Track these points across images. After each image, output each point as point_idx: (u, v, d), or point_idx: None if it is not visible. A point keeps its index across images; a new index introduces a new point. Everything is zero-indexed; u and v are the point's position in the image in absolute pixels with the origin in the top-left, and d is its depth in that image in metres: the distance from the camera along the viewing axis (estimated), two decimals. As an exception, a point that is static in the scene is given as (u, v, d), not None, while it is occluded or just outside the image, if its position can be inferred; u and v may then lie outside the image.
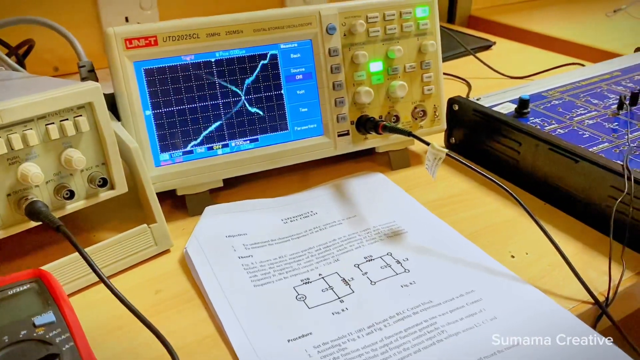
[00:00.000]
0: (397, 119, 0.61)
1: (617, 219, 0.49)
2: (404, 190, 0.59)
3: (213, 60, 0.53)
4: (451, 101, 0.65)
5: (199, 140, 0.54)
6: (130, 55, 0.50)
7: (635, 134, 0.56)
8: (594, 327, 0.44)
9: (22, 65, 0.73)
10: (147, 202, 0.50)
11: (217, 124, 0.54)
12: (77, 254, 0.40)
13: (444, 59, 0.97)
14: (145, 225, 0.49)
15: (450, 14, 1.28)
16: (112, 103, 0.52)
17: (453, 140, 0.67)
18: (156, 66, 0.51)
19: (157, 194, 0.53)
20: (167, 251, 0.51)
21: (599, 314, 0.44)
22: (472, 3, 1.29)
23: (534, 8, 1.36)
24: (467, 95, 0.83)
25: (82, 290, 0.46)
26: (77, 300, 0.45)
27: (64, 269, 0.45)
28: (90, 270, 0.39)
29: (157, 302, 0.45)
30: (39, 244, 0.51)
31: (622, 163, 0.49)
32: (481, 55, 1.01)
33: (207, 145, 0.55)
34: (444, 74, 0.90)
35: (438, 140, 0.69)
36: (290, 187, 0.60)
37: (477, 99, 0.65)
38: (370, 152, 0.65)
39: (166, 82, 0.52)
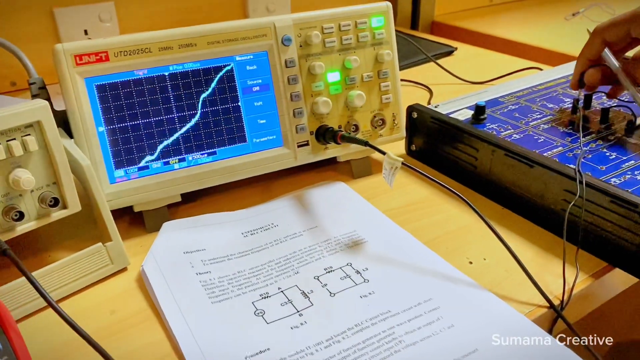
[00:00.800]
0: (357, 128, 0.61)
1: (570, 221, 0.49)
2: (366, 199, 0.59)
3: (167, 74, 0.53)
4: (410, 109, 0.66)
5: (154, 156, 0.53)
6: (81, 71, 0.50)
7: (588, 137, 0.57)
8: (550, 330, 0.45)
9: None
10: (102, 220, 0.49)
11: (173, 138, 0.54)
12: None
13: (407, 66, 0.98)
14: (100, 244, 0.48)
15: (413, 20, 1.29)
16: (64, 120, 0.51)
17: (414, 147, 0.67)
18: (108, 82, 0.51)
19: (114, 211, 0.52)
20: (124, 269, 0.50)
21: (555, 317, 0.45)
22: (434, 9, 1.31)
23: (496, 13, 1.38)
24: (429, 101, 0.84)
25: (33, 315, 0.45)
26: (27, 325, 0.44)
27: (13, 294, 0.43)
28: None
29: (113, 323, 0.45)
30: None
31: (574, 167, 0.50)
32: (444, 60, 1.02)
33: (164, 160, 0.54)
34: (407, 80, 0.92)
35: (399, 147, 0.69)
36: (251, 199, 0.60)
37: (436, 107, 0.66)
38: (332, 161, 0.65)
39: (119, 98, 0.51)
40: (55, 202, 0.46)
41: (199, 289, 0.46)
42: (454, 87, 0.89)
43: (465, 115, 0.63)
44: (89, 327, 0.41)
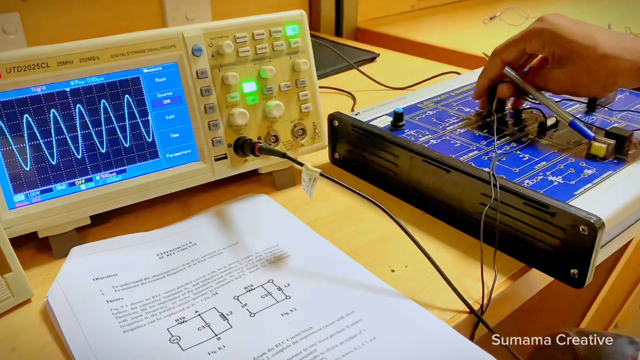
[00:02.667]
0: (277, 138, 0.60)
1: (487, 224, 0.50)
2: (289, 211, 0.58)
3: (68, 89, 0.49)
4: (331, 117, 0.65)
5: (58, 177, 0.50)
6: (-31, 89, 0.46)
7: (502, 140, 0.58)
8: (472, 335, 0.45)
9: None
10: (0, 250, 0.45)
11: (78, 157, 0.51)
12: None
13: (331, 73, 0.98)
14: (-2, 275, 0.45)
15: (337, 27, 1.30)
16: (-47, 142, 0.47)
17: (337, 155, 0.67)
18: (1, 100, 0.47)
19: (17, 238, 0.48)
20: (27, 301, 0.47)
21: (477, 322, 0.45)
22: (357, 15, 1.31)
23: (417, 18, 1.41)
24: (352, 108, 0.84)
25: None
26: None
27: None
28: None
29: (13, 362, 0.41)
30: None
31: (489, 170, 0.51)
32: (367, 67, 1.03)
33: (69, 181, 0.50)
34: (330, 88, 0.91)
35: (324, 156, 0.68)
36: (168, 217, 0.57)
37: (357, 114, 0.65)
38: (254, 174, 0.63)
39: (15, 117, 0.48)
40: (-57, 234, 0.42)
41: (109, 318, 0.44)
42: (376, 94, 0.89)
43: (385, 122, 0.63)
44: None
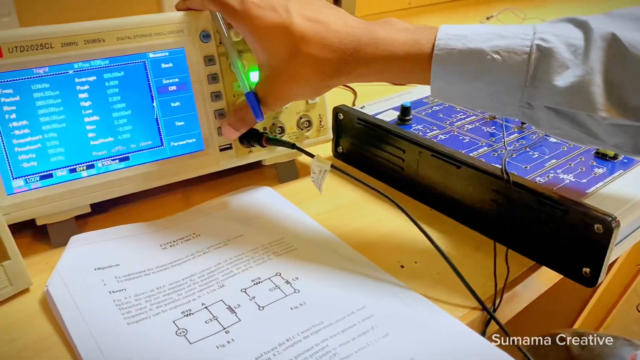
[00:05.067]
0: (282, 130, 0.59)
1: (499, 221, 0.49)
2: (293, 204, 0.57)
3: (71, 71, 0.47)
4: (336, 110, 0.64)
5: (58, 162, 0.48)
6: (-31, 68, 0.44)
7: (511, 137, 0.58)
8: (483, 332, 0.44)
9: None
10: (-2, 237, 0.43)
11: (80, 142, 0.49)
12: None
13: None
14: (-5, 263, 0.43)
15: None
16: (-50, 124, 0.45)
17: (341, 149, 0.66)
18: (2, 80, 0.45)
19: (15, 224, 0.46)
20: (25, 291, 0.45)
21: (488, 319, 0.44)
22: (355, 11, 1.30)
23: (414, 15, 1.40)
24: (353, 103, 0.83)
25: None
26: None
27: None
28: None
29: (13, 353, 0.39)
30: None
31: (500, 167, 0.50)
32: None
33: (70, 167, 0.49)
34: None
35: (326, 149, 0.67)
36: (170, 207, 0.56)
37: (362, 107, 0.64)
38: (256, 165, 0.62)
39: (15, 99, 0.46)
40: (-61, 218, 0.40)
41: (112, 309, 0.42)
42: (377, 88, 0.88)
43: (391, 116, 0.62)
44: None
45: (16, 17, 0.87)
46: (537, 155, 0.54)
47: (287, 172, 0.62)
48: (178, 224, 0.53)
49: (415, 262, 0.49)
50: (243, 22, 0.47)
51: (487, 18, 1.33)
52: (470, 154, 0.54)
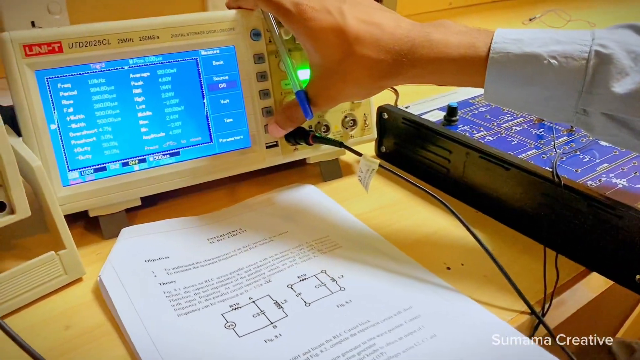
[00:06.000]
0: (327, 128, 0.59)
1: (549, 225, 0.49)
2: (337, 202, 0.57)
3: (126, 67, 0.49)
4: (381, 109, 0.64)
5: (112, 156, 0.49)
6: (31, 63, 0.45)
7: (561, 139, 0.57)
8: (531, 336, 0.44)
9: None
10: (54, 226, 0.45)
11: (133, 137, 0.50)
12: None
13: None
14: (52, 252, 0.44)
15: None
16: (11, 117, 0.47)
17: (384, 149, 0.65)
18: (61, 75, 0.46)
19: (67, 216, 0.48)
20: (79, 280, 0.46)
21: (537, 324, 0.44)
22: (396, 11, 1.30)
23: (455, 16, 1.39)
24: (395, 103, 0.82)
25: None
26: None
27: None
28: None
29: (67, 340, 0.40)
30: None
31: (551, 170, 0.49)
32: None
33: (122, 161, 0.50)
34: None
35: (369, 149, 0.67)
36: (216, 203, 0.57)
37: (406, 107, 0.64)
38: (301, 164, 0.62)
39: (73, 94, 0.47)
40: (2, 207, 0.42)
41: (163, 300, 0.43)
42: (419, 88, 0.87)
43: (436, 116, 0.62)
44: (41, 345, 0.37)
45: (67, 14, 0.90)
46: (587, 159, 0.53)
47: (330, 171, 0.62)
48: (225, 219, 0.54)
49: (462, 264, 0.48)
50: (298, 24, 0.47)
51: (530, 19, 1.31)
52: (519, 156, 0.53)
